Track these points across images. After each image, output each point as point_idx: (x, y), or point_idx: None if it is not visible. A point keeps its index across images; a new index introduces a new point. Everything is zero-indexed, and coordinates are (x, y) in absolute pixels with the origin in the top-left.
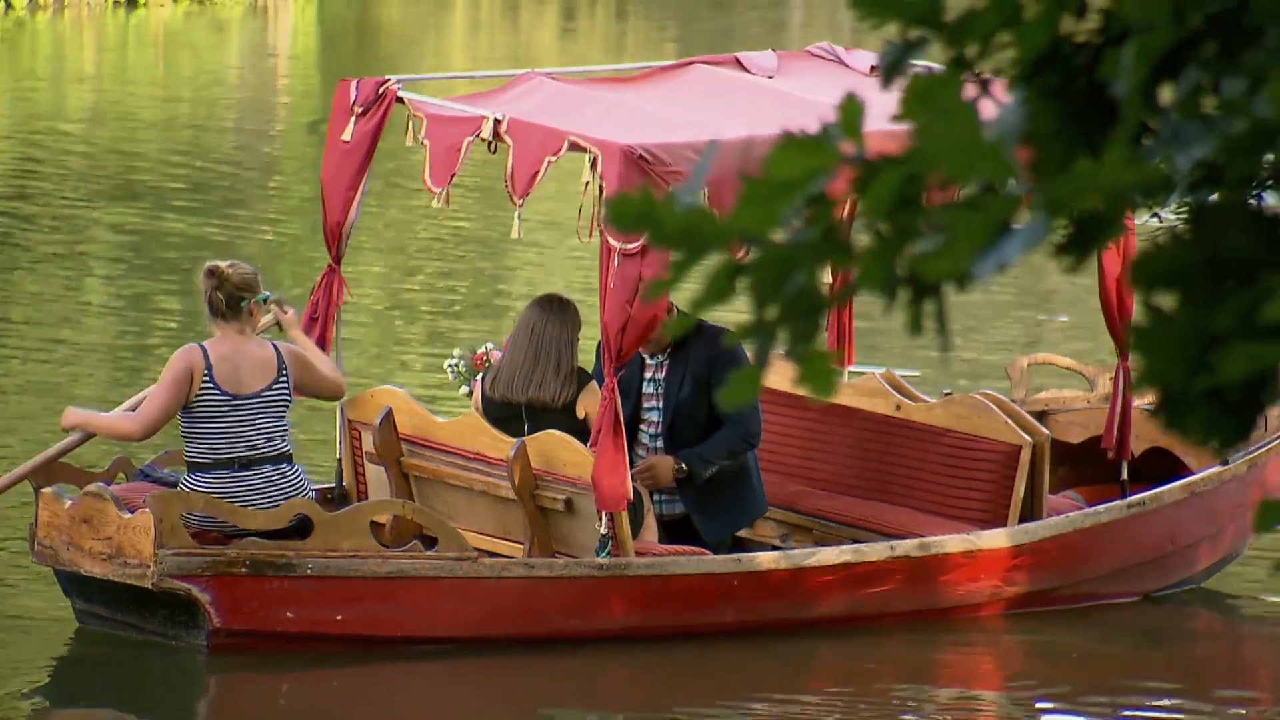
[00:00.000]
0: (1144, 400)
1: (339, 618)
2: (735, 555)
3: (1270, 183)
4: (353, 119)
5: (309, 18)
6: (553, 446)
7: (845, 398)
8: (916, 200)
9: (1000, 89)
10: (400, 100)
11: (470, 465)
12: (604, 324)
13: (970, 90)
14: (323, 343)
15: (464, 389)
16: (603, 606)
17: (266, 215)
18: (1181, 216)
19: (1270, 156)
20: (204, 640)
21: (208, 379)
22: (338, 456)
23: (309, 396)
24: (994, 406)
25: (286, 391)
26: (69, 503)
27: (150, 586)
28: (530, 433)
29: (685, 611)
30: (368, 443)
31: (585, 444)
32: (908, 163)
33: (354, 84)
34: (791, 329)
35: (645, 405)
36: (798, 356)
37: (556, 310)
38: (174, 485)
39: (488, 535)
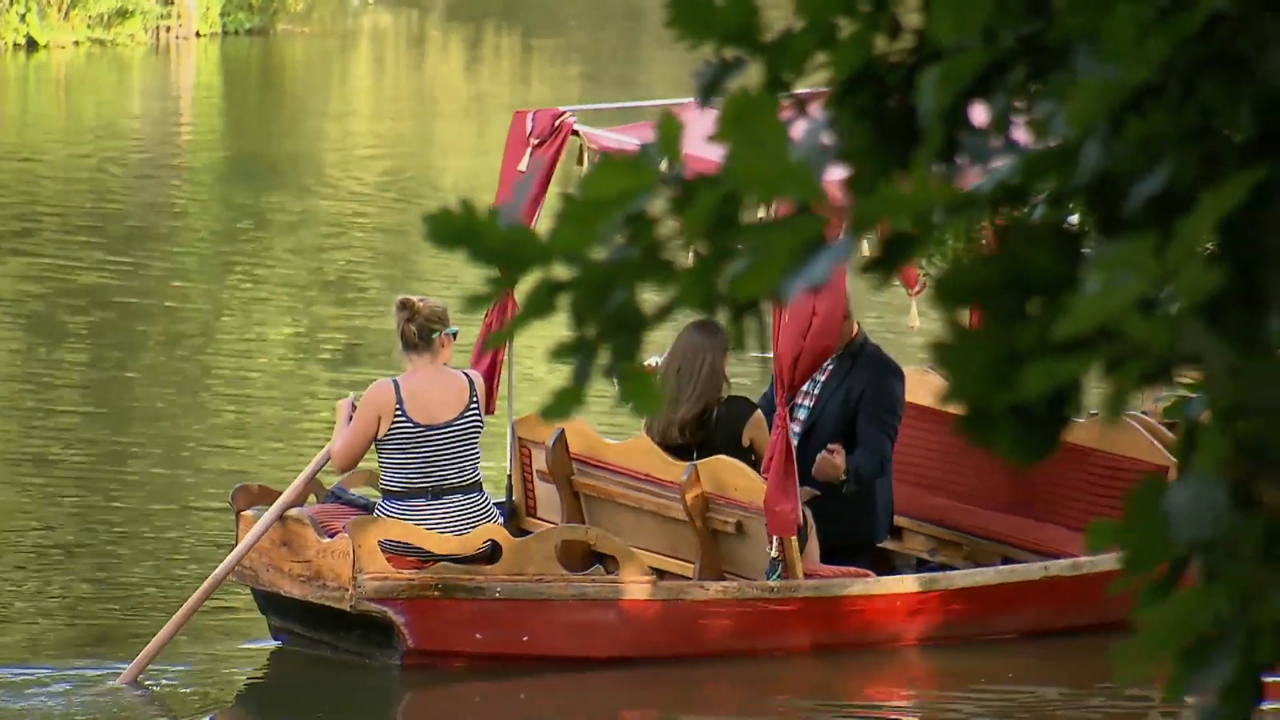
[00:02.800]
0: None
1: (525, 639)
2: (900, 576)
3: (1069, 202)
4: (529, 150)
5: (212, 56)
6: (724, 471)
7: None
8: (734, 220)
9: (817, 108)
10: (575, 133)
11: (640, 486)
12: (778, 355)
13: (787, 111)
14: (493, 366)
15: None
16: (773, 628)
17: (170, 253)
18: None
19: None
20: (398, 660)
21: (400, 412)
22: (508, 473)
23: None
24: (1139, 427)
25: (478, 419)
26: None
27: (348, 609)
28: (699, 457)
29: (853, 631)
30: (539, 461)
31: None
32: (724, 183)
33: (530, 115)
34: (612, 346)
35: (796, 401)
36: (618, 374)
37: (706, 333)
38: (364, 507)
39: (657, 554)
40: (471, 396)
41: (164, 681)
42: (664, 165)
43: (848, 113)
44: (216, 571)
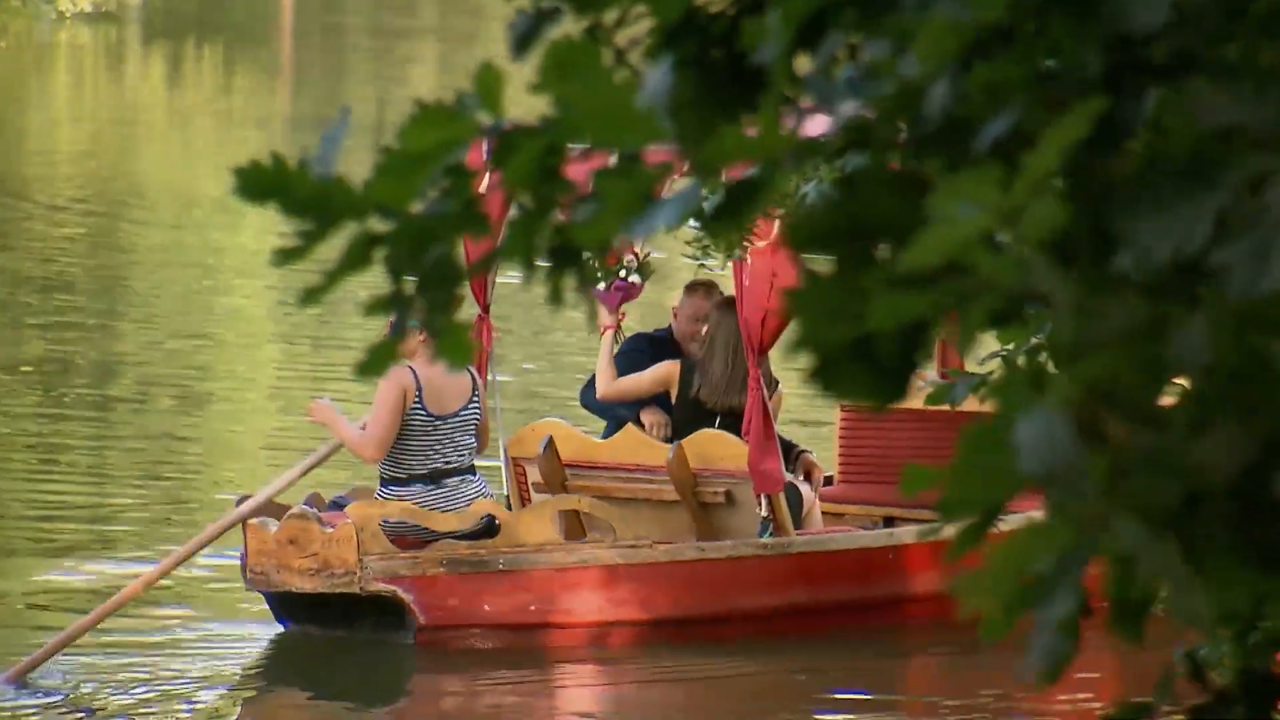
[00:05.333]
0: None
1: (532, 607)
2: (895, 529)
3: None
4: (488, 172)
5: None
6: (708, 445)
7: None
8: (557, 171)
9: (637, 57)
10: None
11: (633, 477)
12: (745, 319)
13: (608, 58)
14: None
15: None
16: (768, 584)
17: None
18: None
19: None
20: (411, 639)
21: (418, 401)
22: (504, 493)
23: None
24: None
25: (479, 409)
26: (274, 528)
27: (359, 591)
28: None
29: (849, 586)
30: (533, 474)
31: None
32: (547, 133)
33: (485, 141)
34: (428, 300)
35: None
36: (434, 328)
37: (735, 313)
38: None
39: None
40: (474, 388)
41: (185, 670)
42: (484, 116)
43: (674, 62)
44: (234, 514)
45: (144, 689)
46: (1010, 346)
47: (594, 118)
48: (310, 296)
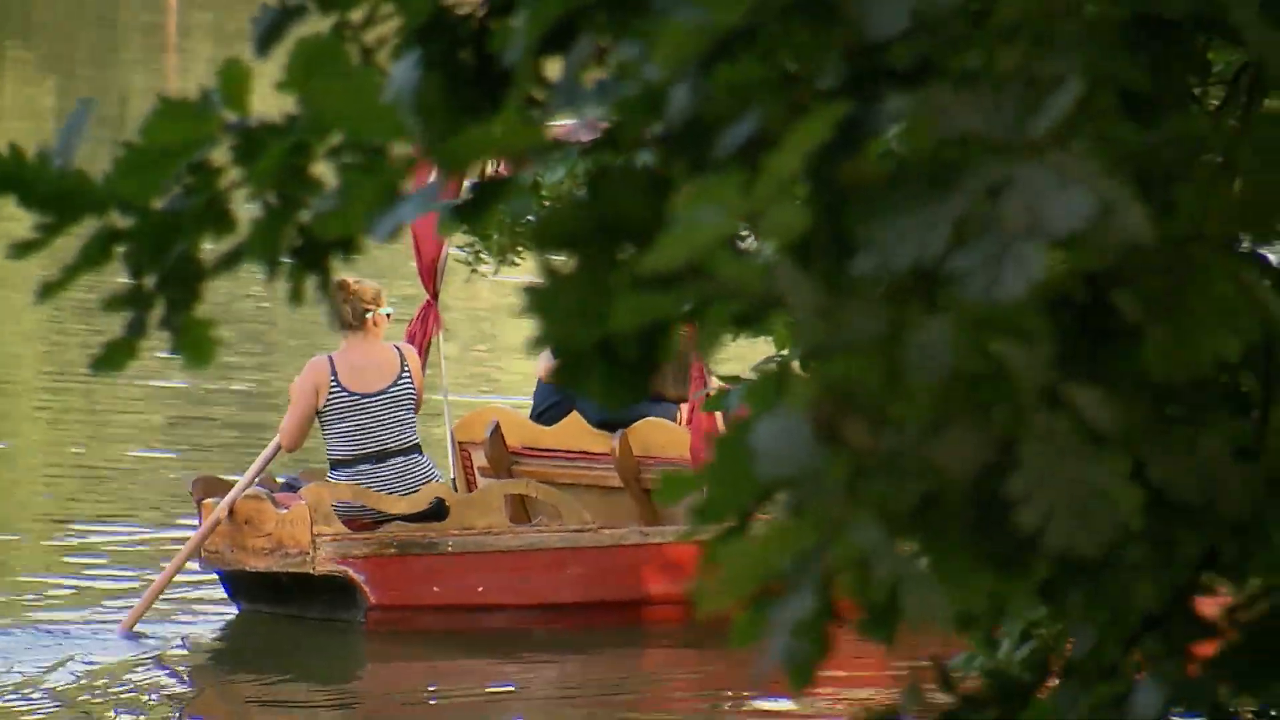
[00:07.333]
0: None
1: (480, 589)
2: None
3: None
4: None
5: None
6: (649, 432)
7: None
8: (304, 169)
9: (384, 57)
10: None
11: (576, 464)
12: None
13: (354, 57)
14: (422, 345)
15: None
16: None
17: None
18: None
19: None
20: (362, 618)
21: (335, 383)
22: (451, 477)
23: None
24: None
25: (410, 387)
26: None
27: (311, 571)
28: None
29: None
30: (479, 459)
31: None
32: (293, 131)
33: None
34: (169, 298)
35: None
36: (174, 326)
37: None
38: None
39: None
40: (402, 366)
41: (141, 646)
42: (229, 114)
43: (421, 62)
44: (182, 551)
45: (97, 667)
46: (785, 351)
47: (339, 115)
48: (47, 291)
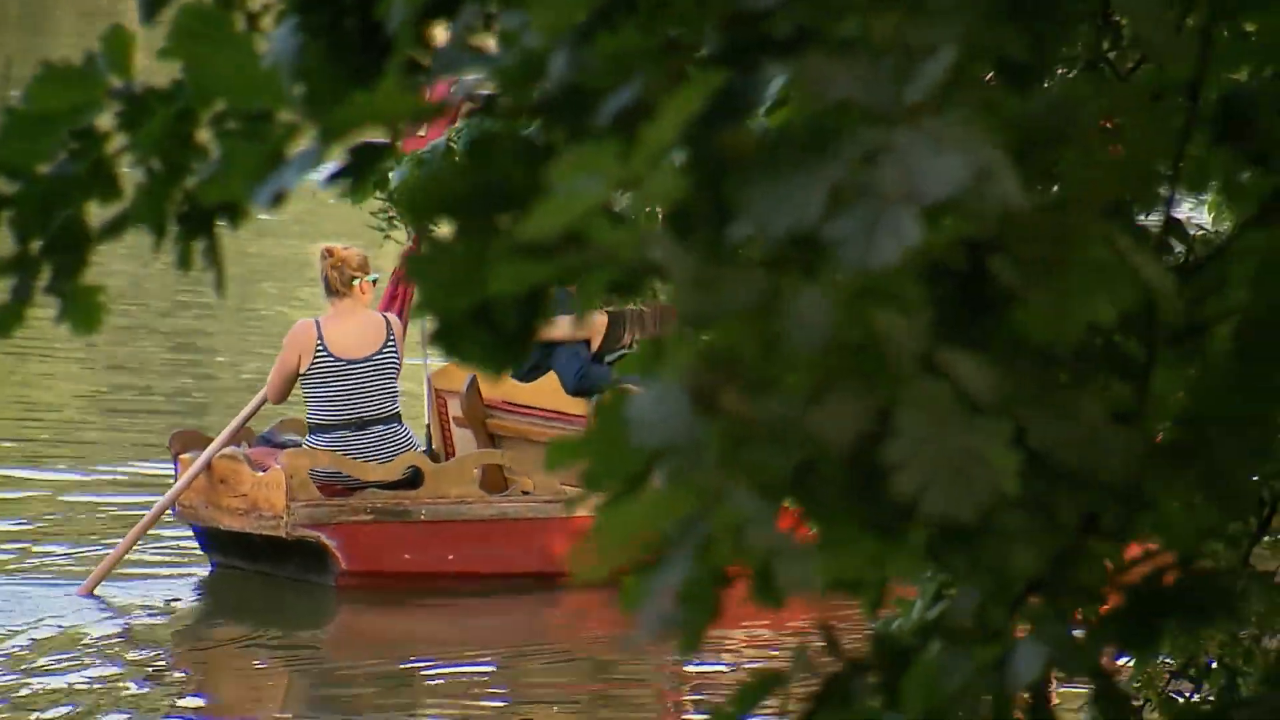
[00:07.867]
0: None
1: (450, 557)
2: None
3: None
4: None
5: None
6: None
7: None
8: (189, 135)
9: (270, 22)
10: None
11: (552, 423)
12: None
13: (240, 23)
14: (402, 311)
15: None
16: None
17: None
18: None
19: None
20: (332, 581)
21: (321, 347)
22: (426, 423)
23: None
24: None
25: (395, 355)
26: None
27: (284, 535)
28: None
29: None
30: (455, 408)
31: None
32: (179, 97)
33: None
34: (55, 264)
35: None
36: (61, 292)
37: None
38: (295, 447)
39: (569, 486)
40: (388, 335)
41: (113, 602)
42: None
43: (304, 30)
44: (160, 503)
45: (70, 621)
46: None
47: (223, 81)
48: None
